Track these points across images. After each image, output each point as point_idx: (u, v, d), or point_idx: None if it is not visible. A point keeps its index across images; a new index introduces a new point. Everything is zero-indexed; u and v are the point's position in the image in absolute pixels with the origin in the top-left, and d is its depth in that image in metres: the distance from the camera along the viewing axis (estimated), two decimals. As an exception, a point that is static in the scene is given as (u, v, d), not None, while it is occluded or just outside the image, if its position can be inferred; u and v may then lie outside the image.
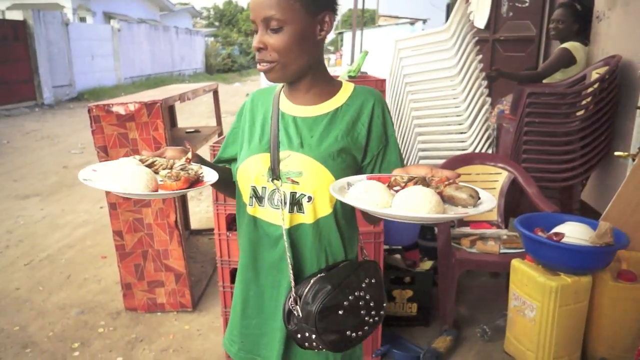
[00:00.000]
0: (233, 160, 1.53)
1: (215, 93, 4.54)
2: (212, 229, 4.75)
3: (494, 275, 3.78)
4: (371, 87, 1.43)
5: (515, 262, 2.77)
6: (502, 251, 3.03)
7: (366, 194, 1.10)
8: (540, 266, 2.66)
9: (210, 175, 1.29)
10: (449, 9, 8.02)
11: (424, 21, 24.59)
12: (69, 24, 17.68)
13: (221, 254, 2.81)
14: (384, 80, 2.35)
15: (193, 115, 12.82)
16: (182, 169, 1.26)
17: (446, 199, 1.11)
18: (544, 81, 4.12)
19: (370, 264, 1.42)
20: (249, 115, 1.48)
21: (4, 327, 3.37)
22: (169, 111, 3.97)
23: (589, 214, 3.45)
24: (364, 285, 1.34)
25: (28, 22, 15.36)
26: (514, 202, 3.50)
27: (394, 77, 4.13)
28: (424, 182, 1.13)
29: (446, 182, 1.13)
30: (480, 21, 6.25)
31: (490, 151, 3.90)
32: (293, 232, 1.36)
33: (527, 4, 6.01)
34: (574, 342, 2.68)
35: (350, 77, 2.45)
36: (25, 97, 15.29)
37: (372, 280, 1.37)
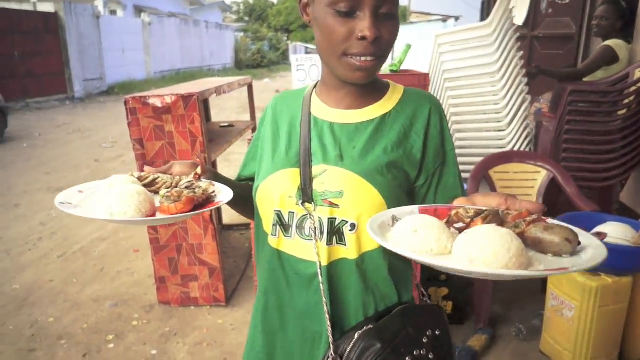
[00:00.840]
0: (254, 179, 1.26)
1: (250, 87, 4.55)
2: (244, 224, 4.78)
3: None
4: (425, 91, 1.19)
5: (555, 262, 2.72)
6: (540, 250, 2.97)
7: (416, 234, 0.83)
8: (581, 266, 2.61)
9: (224, 194, 1.05)
10: (484, 6, 7.94)
11: (457, 18, 24.43)
12: (100, 17, 17.89)
13: (257, 248, 2.80)
14: (426, 75, 2.31)
15: (223, 110, 12.89)
16: (187, 187, 1.05)
17: (530, 243, 0.82)
18: (585, 79, 4.05)
19: (433, 309, 1.10)
20: (271, 123, 1.21)
21: (38, 318, 3.40)
22: (204, 105, 4.00)
23: (627, 215, 3.38)
24: (425, 340, 1.02)
25: (59, 15, 15.59)
26: (551, 202, 3.44)
27: (433, 72, 4.08)
28: (497, 217, 0.86)
29: (529, 219, 0.85)
30: (519, 18, 6.16)
31: (528, 149, 3.84)
32: (332, 269, 1.07)
33: (567, 1, 5.90)
34: (613, 342, 2.64)
35: (392, 71, 2.42)
36: (56, 90, 15.55)
37: (437, 332, 1.04)
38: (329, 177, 1.05)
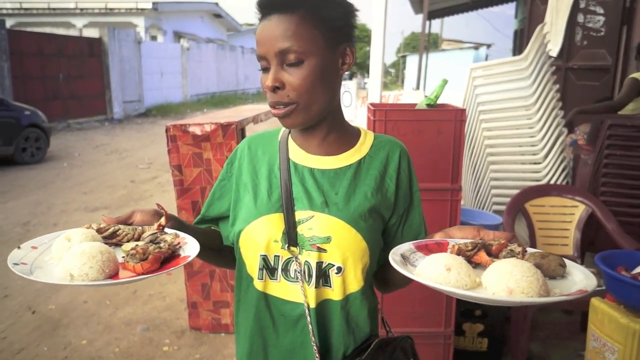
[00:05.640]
0: (221, 219, 1.28)
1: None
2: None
3: (567, 311, 3.63)
4: (394, 137, 1.25)
5: (595, 301, 2.64)
6: (579, 288, 2.89)
7: (449, 272, 0.91)
8: (623, 306, 2.53)
9: (190, 248, 1.00)
10: (517, 35, 7.91)
11: (488, 46, 24.40)
12: (141, 42, 18.38)
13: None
14: (463, 110, 2.30)
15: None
16: (152, 240, 1.00)
17: None
18: (620, 112, 3.99)
19: (406, 340, 1.17)
20: (248, 165, 1.21)
21: (71, 340, 3.43)
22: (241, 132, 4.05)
23: (670, 253, 3.28)
24: None
25: (103, 40, 16.15)
26: (589, 237, 3.37)
27: (467, 104, 4.08)
28: (485, 247, 1.00)
29: (516, 249, 0.99)
30: (553, 49, 6.14)
31: (566, 183, 3.78)
32: (319, 311, 1.11)
33: (602, 33, 5.87)
34: (659, 391, 2.54)
35: (428, 105, 2.41)
36: (96, 111, 16.02)
37: None
38: (317, 223, 1.09)
